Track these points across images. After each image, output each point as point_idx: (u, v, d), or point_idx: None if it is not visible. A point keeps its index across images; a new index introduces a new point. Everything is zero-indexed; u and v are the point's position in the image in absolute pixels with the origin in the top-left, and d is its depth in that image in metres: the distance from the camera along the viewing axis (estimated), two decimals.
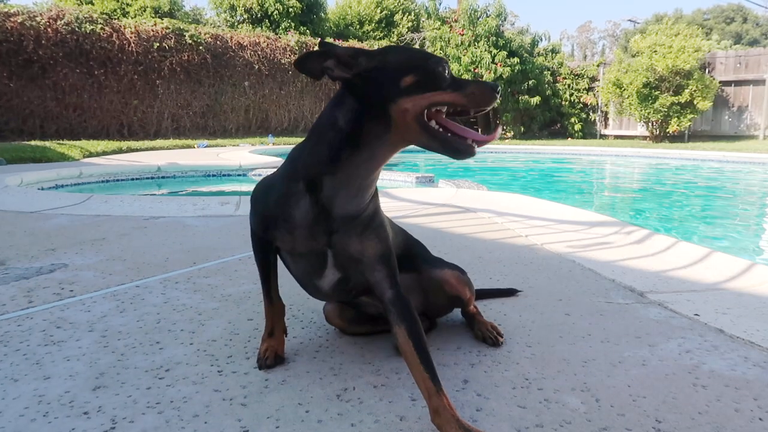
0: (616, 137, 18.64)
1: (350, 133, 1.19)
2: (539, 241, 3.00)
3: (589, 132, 19.22)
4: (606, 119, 19.24)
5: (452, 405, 1.18)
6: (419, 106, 1.14)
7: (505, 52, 17.79)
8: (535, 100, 17.99)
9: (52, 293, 2.09)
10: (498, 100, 1.17)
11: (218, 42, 15.94)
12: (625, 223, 3.53)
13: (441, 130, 1.17)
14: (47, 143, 10.45)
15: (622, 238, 3.05)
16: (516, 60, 17.82)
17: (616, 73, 16.69)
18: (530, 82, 18.20)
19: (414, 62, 1.18)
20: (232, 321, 1.83)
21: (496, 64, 17.57)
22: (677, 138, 16.47)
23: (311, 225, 1.27)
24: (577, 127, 18.95)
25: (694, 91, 15.23)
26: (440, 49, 18.77)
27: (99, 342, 1.65)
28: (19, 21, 12.60)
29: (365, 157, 1.21)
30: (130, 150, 10.93)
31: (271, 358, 1.50)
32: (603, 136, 19.05)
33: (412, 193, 4.98)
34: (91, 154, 9.48)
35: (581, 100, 19.23)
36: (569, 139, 18.60)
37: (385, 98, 1.15)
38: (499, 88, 1.18)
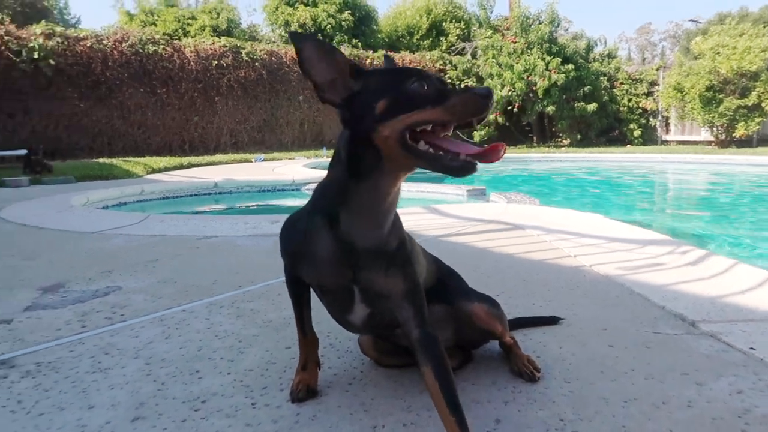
0: (679, 143, 17.93)
1: (349, 165, 1.18)
2: (588, 261, 2.91)
3: (649, 138, 18.57)
4: (667, 124, 18.56)
5: None
6: (396, 131, 1.09)
7: (559, 59, 17.46)
8: (592, 106, 17.55)
9: (104, 317, 2.18)
10: (490, 107, 1.07)
11: (273, 58, 16.38)
12: (681, 241, 3.38)
13: (431, 149, 1.11)
14: (114, 160, 10.99)
15: (676, 259, 2.92)
16: (570, 66, 17.47)
17: (677, 77, 16.08)
18: (586, 89, 17.80)
19: (387, 84, 1.14)
20: (270, 349, 1.86)
21: (550, 71, 17.28)
22: (745, 143, 15.68)
23: (334, 261, 1.27)
24: (637, 133, 18.36)
25: (762, 93, 14.46)
26: (492, 58, 18.63)
27: (142, 370, 1.71)
28: (88, 45, 13.36)
29: (370, 188, 1.18)
30: (190, 165, 11.34)
31: (303, 391, 1.51)
32: (664, 142, 18.37)
33: (460, 209, 4.94)
34: (153, 171, 9.89)
35: (640, 105, 18.63)
36: (628, 145, 18.03)
37: (367, 126, 1.12)
38: (491, 93, 1.07)
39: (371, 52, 18.88)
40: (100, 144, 13.63)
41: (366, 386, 1.59)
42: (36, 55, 12.48)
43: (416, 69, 1.15)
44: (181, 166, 10.97)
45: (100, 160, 11.51)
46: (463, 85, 19.01)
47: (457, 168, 1.09)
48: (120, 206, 6.39)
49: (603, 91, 18.39)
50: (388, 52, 18.87)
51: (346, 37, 20.91)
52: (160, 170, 10.08)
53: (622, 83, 19.10)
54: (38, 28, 12.87)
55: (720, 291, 2.35)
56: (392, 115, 1.09)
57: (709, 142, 16.46)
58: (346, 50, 18.03)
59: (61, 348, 1.89)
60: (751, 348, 1.78)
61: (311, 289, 1.52)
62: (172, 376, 1.66)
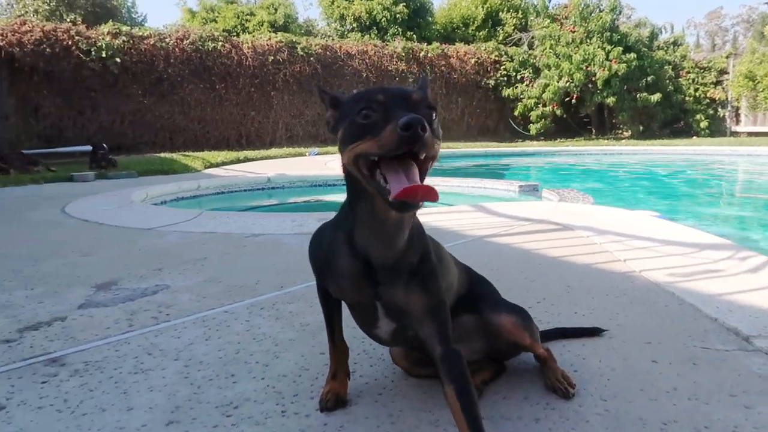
0: (750, 134, 16.95)
1: (348, 186, 1.20)
2: (638, 267, 2.80)
3: (717, 129, 17.67)
4: (737, 115, 17.56)
5: None
6: (348, 160, 1.10)
7: (621, 48, 16.83)
8: (655, 97, 16.82)
9: (151, 317, 2.27)
10: (412, 139, 0.98)
11: (328, 52, 16.52)
12: (741, 246, 3.20)
13: (382, 180, 1.05)
14: (174, 155, 11.39)
15: (734, 266, 2.76)
16: (632, 55, 16.81)
17: (749, 65, 15.21)
18: (649, 79, 17.09)
19: (346, 113, 1.14)
20: (305, 354, 1.88)
21: (611, 61, 16.69)
22: None
23: (354, 277, 1.27)
24: (704, 124, 17.48)
25: None
26: (549, 48, 18.15)
27: (181, 372, 1.76)
28: (151, 43, 13.86)
29: (369, 208, 1.17)
30: (246, 159, 11.61)
31: (332, 401, 1.52)
32: (734, 134, 17.44)
33: (508, 207, 4.85)
34: (211, 165, 10.19)
35: (708, 95, 17.71)
36: (694, 137, 17.21)
37: (339, 151, 1.15)
38: (412, 123, 0.97)
39: (425, 44, 18.74)
40: (162, 139, 14.14)
41: (395, 397, 1.58)
42: (103, 54, 13.07)
43: (371, 93, 1.10)
44: (238, 161, 11.25)
45: (162, 154, 11.95)
46: (519, 76, 18.68)
47: (395, 205, 1.03)
48: (177, 201, 6.62)
49: (667, 81, 17.60)
50: (443, 45, 18.69)
51: (400, 29, 20.85)
52: (217, 165, 10.37)
53: (688, 72, 18.22)
54: (105, 28, 13.46)
55: None
56: (345, 144, 1.10)
57: None
58: (400, 43, 18.00)
59: (108, 347, 1.97)
60: None
61: (342, 303, 1.53)
62: (208, 380, 1.71)
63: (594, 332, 1.96)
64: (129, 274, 2.92)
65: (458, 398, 1.19)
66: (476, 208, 4.70)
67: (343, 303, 1.52)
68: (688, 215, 6.22)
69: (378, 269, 1.24)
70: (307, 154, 13.31)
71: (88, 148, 9.69)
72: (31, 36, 12.50)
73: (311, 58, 16.10)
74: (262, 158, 12.01)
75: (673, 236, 3.45)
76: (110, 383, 1.70)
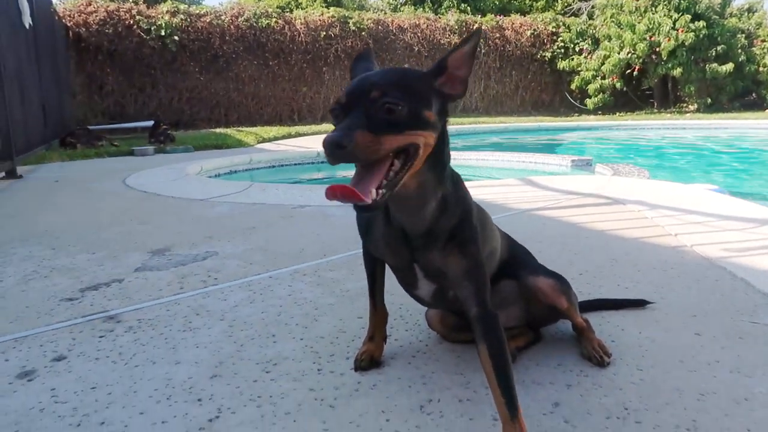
0: None
1: None
2: (690, 241, 2.70)
3: None
4: None
5: None
6: None
7: (689, 16, 15.93)
8: (727, 67, 15.88)
9: (200, 280, 2.37)
10: (333, 155, 0.99)
11: (380, 27, 16.41)
12: None
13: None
14: (228, 131, 11.67)
15: None
16: (702, 24, 15.89)
17: None
18: (719, 48, 16.13)
19: None
20: (343, 318, 1.93)
21: (677, 30, 15.86)
22: None
23: (391, 242, 1.31)
24: None
25: None
26: (611, 17, 17.40)
27: (225, 331, 1.84)
28: (207, 21, 14.13)
29: None
30: (298, 135, 11.76)
31: (367, 361, 1.56)
32: None
33: (558, 181, 4.75)
34: (264, 140, 10.39)
35: None
36: (767, 110, 16.23)
37: None
38: (332, 141, 0.97)
39: (480, 16, 18.33)
40: (218, 115, 14.48)
41: (429, 360, 1.61)
42: (162, 32, 13.43)
43: (346, 90, 1.10)
44: (289, 136, 11.41)
45: (217, 130, 12.27)
46: (577, 48, 18.00)
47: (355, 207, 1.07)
48: (230, 174, 6.80)
49: (739, 50, 16.57)
50: (498, 16, 18.23)
51: (454, 2, 20.46)
52: (269, 140, 10.56)
53: (764, 41, 17.09)
54: (164, 7, 13.81)
55: None
56: None
57: None
58: (453, 16, 17.66)
59: (160, 307, 2.08)
60: None
61: (384, 265, 1.56)
62: (250, 339, 1.78)
63: (637, 303, 1.93)
64: (182, 241, 3.05)
65: (491, 358, 1.20)
66: (524, 182, 4.63)
67: (387, 268, 1.55)
68: (749, 191, 5.93)
69: (411, 236, 1.27)
70: None
71: (150, 123, 10.05)
72: (96, 16, 12.97)
73: (363, 33, 16.02)
74: (312, 133, 12.13)
75: (730, 211, 3.31)
76: (161, 339, 1.80)
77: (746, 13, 18.11)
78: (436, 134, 1.13)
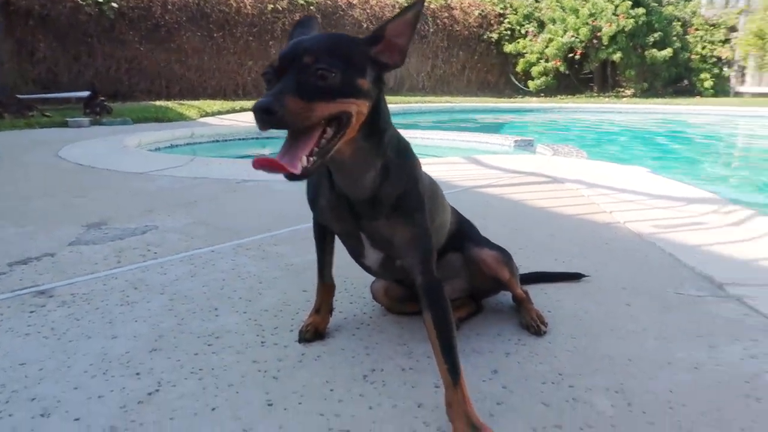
0: (754, 95, 16.74)
1: None
2: (623, 218, 2.82)
3: (721, 89, 17.41)
4: (743, 75, 17.30)
5: (468, 399, 1.17)
6: None
7: (629, 2, 16.41)
8: (665, 53, 16.48)
9: (139, 254, 2.30)
10: (265, 122, 0.96)
11: (328, 1, 16.13)
12: (728, 201, 3.22)
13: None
14: (169, 103, 11.26)
15: (718, 219, 2.79)
16: (641, 10, 16.41)
17: (759, 23, 14.88)
18: (656, 35, 16.72)
19: None
20: (288, 291, 1.92)
21: (618, 16, 16.31)
22: None
23: (336, 209, 1.30)
24: (708, 84, 17.21)
25: None
26: (556, 1, 17.71)
27: (166, 305, 1.80)
28: None
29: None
30: (242, 109, 11.48)
31: (311, 333, 1.56)
32: (738, 94, 17.21)
33: (501, 160, 4.84)
34: (206, 114, 10.09)
35: (715, 53, 17.36)
36: (698, 97, 17.00)
37: None
38: (262, 106, 0.95)
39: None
40: (158, 87, 13.93)
41: (372, 332, 1.63)
42: None
43: (279, 54, 1.07)
44: (234, 110, 11.12)
45: (157, 102, 11.81)
46: (523, 31, 18.28)
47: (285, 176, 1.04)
48: (171, 148, 6.59)
49: (675, 38, 17.23)
50: None
51: None
52: (212, 114, 10.27)
53: (697, 29, 17.81)
54: None
55: (757, 254, 2.25)
56: None
57: None
58: None
59: (95, 281, 2.01)
60: None
61: (334, 238, 1.56)
62: (191, 313, 1.75)
63: (574, 277, 2.01)
64: (119, 214, 2.94)
65: (435, 326, 1.22)
66: (468, 160, 4.70)
67: (336, 241, 1.55)
68: (682, 174, 6.22)
69: (355, 203, 1.27)
70: None
71: (85, 93, 9.57)
72: None
73: (311, 8, 15.72)
74: None
75: (661, 191, 3.47)
76: (96, 314, 1.74)
77: (682, 1, 18.80)
78: (370, 103, 1.12)
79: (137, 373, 1.39)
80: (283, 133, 1.05)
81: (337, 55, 1.06)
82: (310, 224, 2.76)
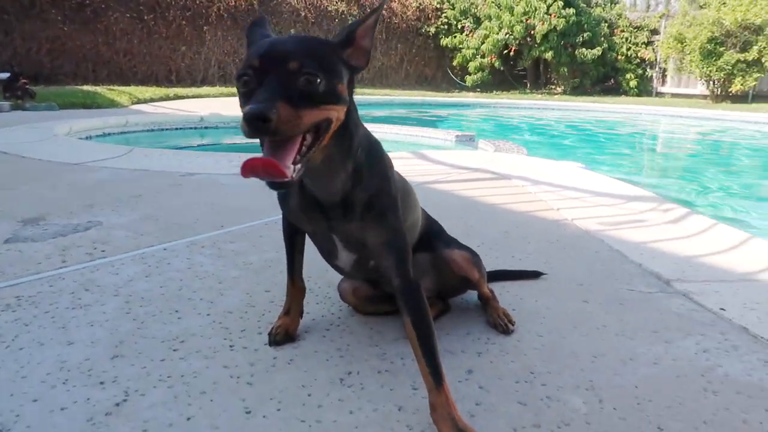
0: (674, 96, 17.76)
1: None
2: (570, 215, 2.93)
3: (644, 89, 18.36)
4: (664, 76, 18.30)
5: (452, 402, 1.18)
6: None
7: (561, 2, 16.98)
8: (594, 52, 17.19)
9: (85, 253, 2.18)
10: (257, 129, 0.92)
11: None
12: (664, 199, 3.40)
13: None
14: (98, 88, 10.70)
15: (657, 216, 2.94)
16: (572, 11, 17.03)
17: (679, 27, 15.74)
18: (585, 35, 17.40)
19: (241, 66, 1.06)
20: (250, 292, 1.87)
21: (550, 15, 16.84)
22: (740, 98, 15.59)
23: (307, 211, 1.28)
24: (633, 83, 18.12)
25: (764, 48, 14.25)
26: None
27: (122, 308, 1.72)
28: None
29: None
30: (177, 97, 11.09)
31: (282, 335, 1.53)
32: (659, 94, 18.20)
33: (447, 155, 4.91)
34: (139, 101, 9.68)
35: (639, 55, 18.29)
36: (623, 96, 17.85)
37: None
38: (254, 114, 0.90)
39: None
40: (84, 70, 13.20)
41: (343, 333, 1.61)
42: None
43: (252, 54, 1.02)
44: (167, 98, 10.73)
45: (84, 87, 11.19)
46: (460, 26, 18.57)
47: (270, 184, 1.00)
48: (104, 137, 6.28)
49: (602, 39, 17.99)
50: None
51: None
52: (145, 101, 9.86)
53: (622, 31, 18.67)
54: None
55: (698, 251, 2.39)
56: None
57: (704, 96, 16.34)
58: None
59: (41, 282, 1.89)
60: (721, 309, 1.82)
61: (305, 237, 1.53)
62: (151, 315, 1.68)
63: (534, 275, 2.06)
64: (58, 209, 2.77)
65: (415, 329, 1.23)
66: (416, 156, 4.74)
67: (307, 241, 1.52)
68: (610, 168, 6.52)
69: (325, 205, 1.25)
70: None
71: (5, 75, 8.93)
72: None
73: None
74: (193, 96, 11.50)
75: (602, 188, 3.62)
76: (46, 318, 1.64)
77: (609, 4, 19.62)
78: (346, 107, 1.11)
79: (101, 382, 1.32)
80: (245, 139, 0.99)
81: (318, 59, 1.03)
82: (266, 220, 2.71)
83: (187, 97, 11.24)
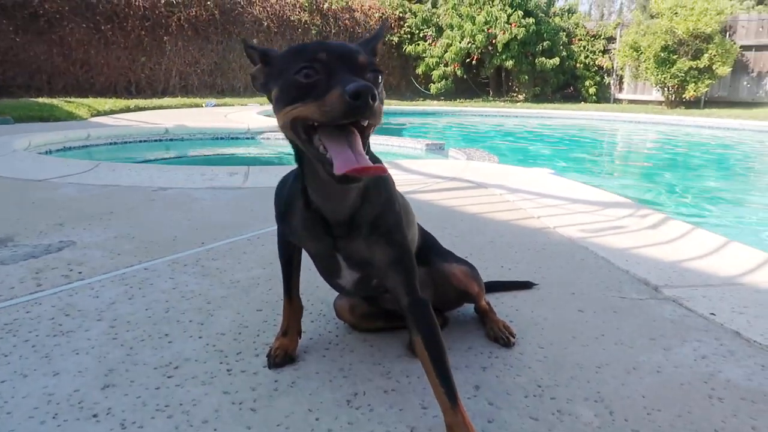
0: (630, 102, 18.28)
1: (291, 145, 1.13)
2: (552, 223, 2.95)
3: (603, 96, 18.84)
4: (621, 83, 18.83)
5: (468, 422, 1.15)
6: (285, 122, 1.02)
7: (521, 12, 17.31)
8: (553, 61, 17.57)
9: (61, 275, 2.08)
10: (361, 109, 0.90)
11: None
12: (640, 205, 3.47)
13: (322, 147, 0.99)
14: (55, 101, 10.36)
15: (636, 222, 2.99)
16: (531, 20, 17.37)
17: (634, 36, 16.23)
18: (545, 44, 17.77)
19: (280, 70, 1.05)
20: (241, 311, 1.81)
21: (511, 24, 17.14)
22: (693, 104, 16.15)
23: (311, 229, 1.24)
24: (592, 90, 18.57)
25: (714, 56, 14.81)
26: (453, 8, 18.30)
27: (108, 333, 1.64)
28: None
29: (312, 170, 1.12)
30: (138, 108, 10.82)
31: (281, 357, 1.48)
32: (617, 101, 18.69)
33: (421, 164, 4.91)
34: (98, 113, 9.40)
35: (596, 62, 18.78)
36: (582, 103, 18.27)
37: (274, 112, 1.06)
38: (363, 91, 0.89)
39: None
40: (39, 82, 12.79)
41: (343, 351, 1.57)
42: None
43: (312, 49, 1.00)
44: (128, 109, 10.45)
45: (40, 99, 10.82)
46: (422, 34, 18.74)
47: (337, 178, 0.96)
48: (65, 151, 6.06)
49: (561, 47, 18.40)
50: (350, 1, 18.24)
51: None
52: (105, 113, 9.58)
53: (580, 39, 19.13)
54: None
55: (680, 255, 2.43)
56: (282, 105, 1.01)
57: (660, 102, 16.85)
58: None
59: (16, 309, 1.79)
60: (712, 313, 1.85)
61: (302, 254, 1.48)
62: (140, 340, 1.60)
63: (526, 285, 2.06)
64: (26, 229, 2.65)
65: (426, 347, 1.20)
66: (390, 165, 4.72)
67: (302, 258, 1.48)
68: (577, 173, 6.65)
69: (332, 224, 1.21)
70: (204, 105, 12.63)
71: None
72: None
73: (208, 3, 15.10)
74: (155, 108, 11.24)
75: (577, 195, 3.67)
76: (27, 347, 1.54)
77: (566, 13, 20.10)
78: None
79: (94, 415, 1.25)
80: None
81: (372, 61, 1.04)
82: (248, 236, 2.64)
83: (149, 108, 10.98)
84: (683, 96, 15.67)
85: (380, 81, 1.02)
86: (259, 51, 1.14)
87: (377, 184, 1.23)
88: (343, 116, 0.92)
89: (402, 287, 1.25)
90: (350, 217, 1.19)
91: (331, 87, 0.94)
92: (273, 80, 1.08)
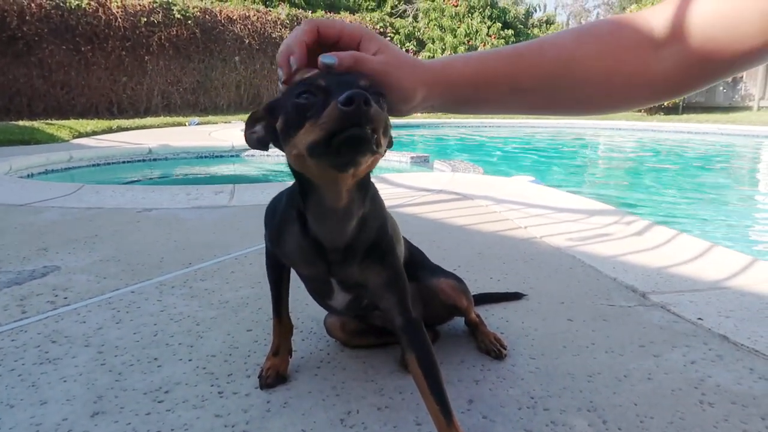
0: None
1: (297, 182, 1.11)
2: (538, 233, 2.97)
3: None
4: None
5: None
6: (294, 161, 1.00)
7: (500, 24, 17.57)
8: None
9: (46, 301, 2.05)
10: (354, 115, 0.85)
11: (207, 16, 15.65)
12: (624, 212, 3.51)
13: None
14: (35, 123, 10.28)
15: (621, 230, 3.02)
16: (510, 32, 17.65)
17: None
18: None
19: (282, 99, 1.02)
20: (231, 332, 1.79)
21: (491, 37, 17.38)
22: (671, 110, 16.43)
23: (305, 254, 1.22)
24: None
25: None
26: (434, 20, 18.52)
27: (95, 359, 1.61)
28: None
29: (316, 200, 1.09)
30: (120, 129, 10.78)
31: (273, 377, 1.47)
32: None
33: (407, 177, 4.93)
34: (80, 135, 9.34)
35: None
36: None
37: (282, 148, 1.02)
38: (352, 99, 0.84)
39: (310, 12, 18.34)
40: (19, 104, 12.72)
41: (335, 369, 1.56)
42: None
43: (312, 77, 0.97)
44: (110, 130, 10.41)
45: (20, 122, 10.73)
46: (404, 49, 18.88)
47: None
48: (47, 174, 6.01)
49: None
50: (328, 13, 18.40)
51: None
52: (87, 134, 9.53)
53: None
54: None
55: (665, 261, 2.46)
56: (291, 134, 0.97)
57: (638, 109, 17.15)
58: (284, 10, 17.45)
59: (1, 337, 1.76)
60: (699, 318, 1.87)
61: (290, 273, 1.47)
62: (129, 365, 1.58)
63: (516, 297, 2.07)
64: (9, 255, 2.61)
65: (420, 366, 1.19)
66: (377, 179, 4.73)
67: (291, 277, 1.46)
68: (559, 181, 6.72)
69: (329, 251, 1.20)
70: (187, 124, 12.61)
71: None
72: None
73: (189, 22, 15.15)
74: (137, 128, 11.20)
75: (562, 203, 3.70)
76: (13, 376, 1.52)
77: (545, 24, 20.45)
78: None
79: None
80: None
81: (374, 83, 0.98)
82: (235, 255, 2.63)
83: (131, 128, 10.94)
84: (662, 103, 15.96)
85: (382, 102, 0.95)
86: (262, 109, 1.10)
87: (374, 209, 1.21)
88: (338, 125, 0.88)
89: (396, 308, 1.25)
90: (347, 245, 1.18)
91: (328, 105, 0.91)
92: (278, 112, 1.03)
